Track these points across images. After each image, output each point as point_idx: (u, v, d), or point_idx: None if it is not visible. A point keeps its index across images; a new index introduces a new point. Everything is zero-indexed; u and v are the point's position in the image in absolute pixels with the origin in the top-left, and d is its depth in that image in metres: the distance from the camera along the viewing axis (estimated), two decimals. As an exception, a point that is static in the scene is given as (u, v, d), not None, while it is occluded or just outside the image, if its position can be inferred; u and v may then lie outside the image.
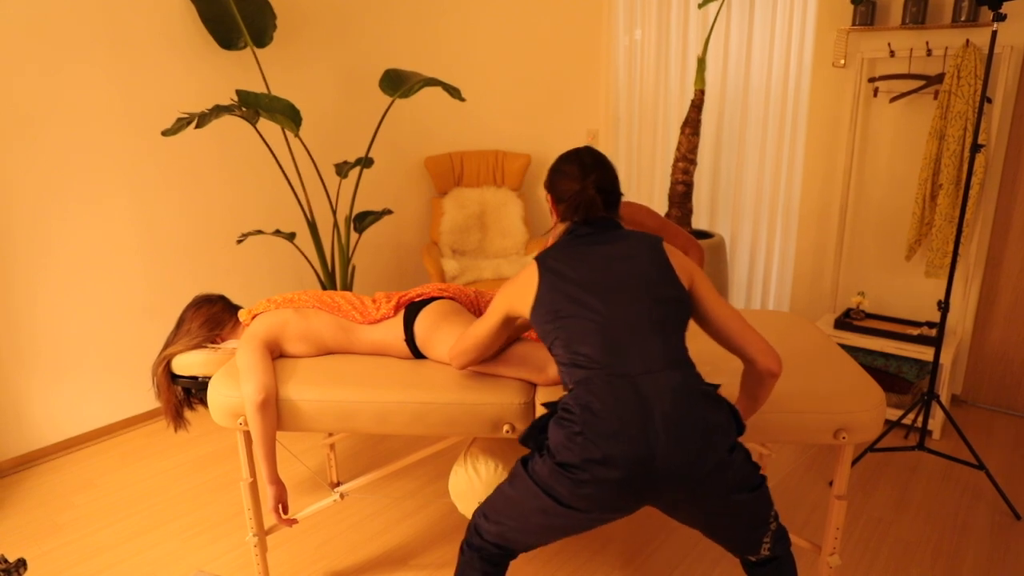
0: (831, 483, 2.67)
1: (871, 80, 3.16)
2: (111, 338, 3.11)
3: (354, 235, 4.06)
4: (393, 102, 3.38)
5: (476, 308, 2.09)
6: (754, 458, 2.85)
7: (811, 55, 3.34)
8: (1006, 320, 3.16)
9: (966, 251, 3.13)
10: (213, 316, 2.08)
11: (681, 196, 3.45)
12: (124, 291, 3.12)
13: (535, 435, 1.50)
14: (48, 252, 2.87)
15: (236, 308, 2.16)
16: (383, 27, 3.97)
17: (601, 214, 1.58)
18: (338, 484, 2.75)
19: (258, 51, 3.42)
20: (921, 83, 3.07)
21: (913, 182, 3.21)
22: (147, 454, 3.02)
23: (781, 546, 1.52)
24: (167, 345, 2.06)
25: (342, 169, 3.20)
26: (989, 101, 2.94)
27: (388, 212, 3.35)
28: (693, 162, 3.40)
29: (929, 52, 2.98)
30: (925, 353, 2.98)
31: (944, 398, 3.00)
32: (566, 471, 1.38)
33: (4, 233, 2.76)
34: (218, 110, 2.59)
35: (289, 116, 2.80)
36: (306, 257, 3.28)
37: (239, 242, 3.16)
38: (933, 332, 3.09)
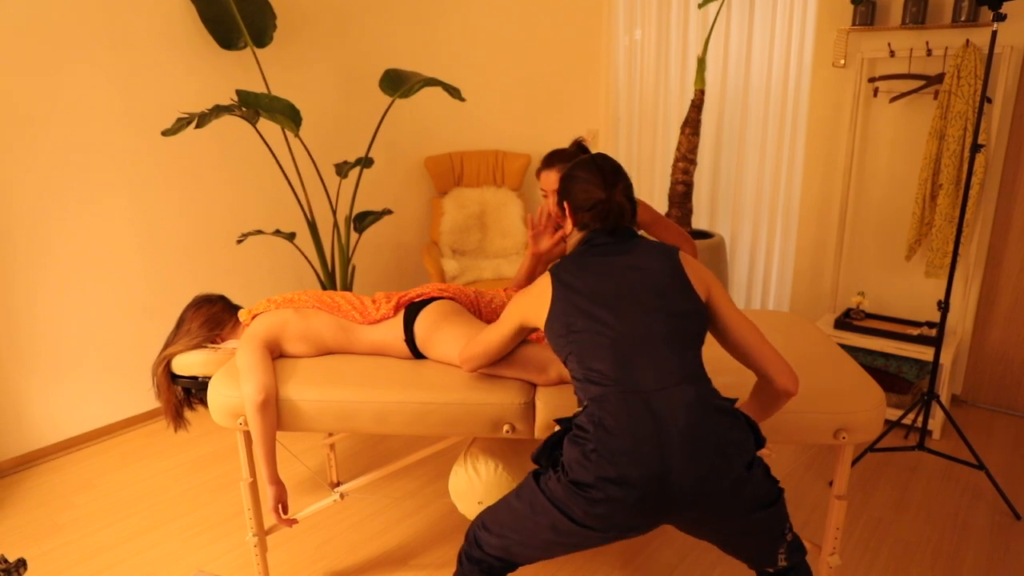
0: (831, 483, 2.67)
1: (871, 80, 3.16)
2: (111, 338, 3.11)
3: (354, 235, 4.06)
4: (393, 102, 3.38)
5: (476, 308, 2.09)
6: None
7: (811, 55, 3.34)
8: (1006, 320, 3.16)
9: (966, 251, 3.13)
10: (213, 316, 2.08)
11: (681, 196, 3.45)
12: (124, 291, 3.12)
13: (548, 452, 1.48)
14: (48, 252, 2.87)
15: (236, 308, 2.16)
16: (383, 27, 3.97)
17: (627, 224, 1.57)
18: (338, 484, 2.75)
19: (258, 51, 3.42)
20: (921, 83, 3.07)
21: (913, 182, 3.21)
22: (147, 454, 3.02)
23: (797, 556, 1.50)
24: (167, 345, 2.06)
25: (342, 169, 3.20)
26: (989, 101, 2.94)
27: (388, 212, 3.35)
28: (693, 162, 3.40)
29: (929, 52, 2.98)
30: (925, 353, 2.98)
31: (944, 398, 3.00)
32: (580, 490, 1.35)
33: (4, 233, 2.76)
34: (218, 110, 2.59)
35: (289, 116, 2.80)
36: (306, 257, 3.28)
37: (239, 242, 3.16)
38: (933, 332, 3.09)
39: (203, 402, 2.06)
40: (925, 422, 2.69)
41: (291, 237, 3.18)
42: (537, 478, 1.47)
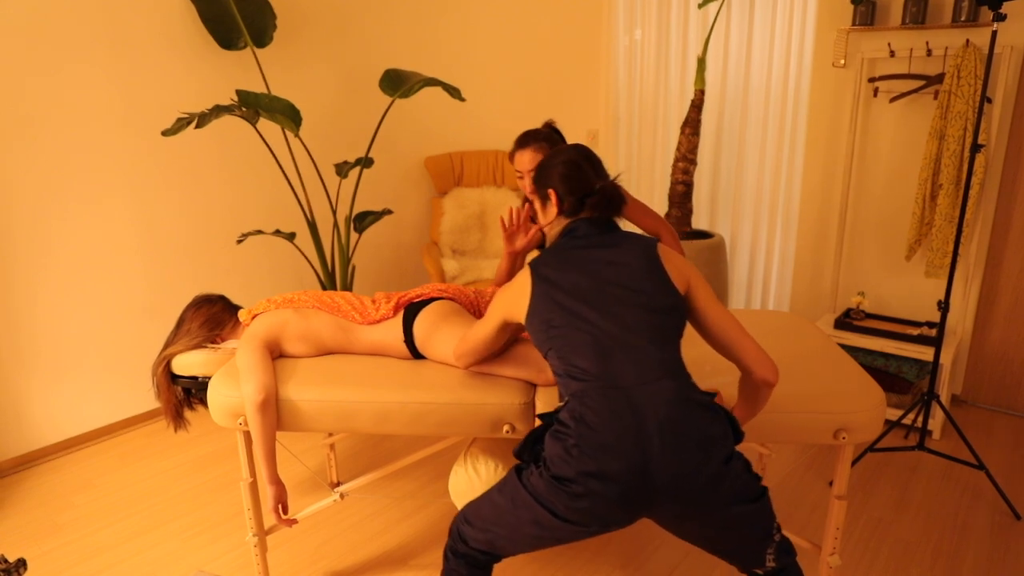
0: (831, 483, 2.67)
1: (871, 80, 3.16)
2: (111, 338, 3.11)
3: (354, 235, 4.06)
4: (393, 102, 3.38)
5: (476, 308, 2.09)
6: (754, 458, 2.85)
7: (811, 55, 3.34)
8: (1006, 320, 3.16)
9: (966, 251, 3.13)
10: (213, 316, 2.08)
11: (681, 196, 3.45)
12: (124, 291, 3.12)
13: (530, 447, 1.48)
14: (48, 252, 2.87)
15: (236, 308, 2.16)
16: (383, 27, 3.97)
17: (618, 213, 1.58)
18: (338, 484, 2.75)
19: (258, 51, 3.42)
20: (921, 83, 3.07)
21: (913, 182, 3.21)
22: (147, 454, 3.02)
23: (786, 558, 1.49)
24: (167, 345, 2.06)
25: (342, 169, 3.20)
26: (989, 101, 2.94)
27: (388, 212, 3.35)
28: (693, 162, 3.40)
29: (929, 52, 2.98)
30: (925, 353, 2.98)
31: (944, 398, 3.00)
32: (562, 485, 1.36)
33: (4, 233, 2.76)
34: (218, 110, 2.59)
35: (289, 116, 2.80)
36: (306, 257, 3.28)
37: (239, 242, 3.16)
38: (933, 332, 3.09)
39: (203, 402, 2.06)
40: (925, 422, 2.69)
41: (291, 237, 3.18)
42: (519, 473, 1.48)
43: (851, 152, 3.31)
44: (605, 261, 1.50)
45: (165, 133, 2.54)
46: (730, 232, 3.83)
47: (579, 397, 1.40)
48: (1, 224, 2.74)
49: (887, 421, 3.15)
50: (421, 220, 4.48)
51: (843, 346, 3.26)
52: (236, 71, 3.34)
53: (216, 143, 3.33)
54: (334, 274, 3.39)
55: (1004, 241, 3.09)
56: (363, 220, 3.39)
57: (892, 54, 3.07)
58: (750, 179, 3.69)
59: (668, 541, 2.36)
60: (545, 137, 2.19)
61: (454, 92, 3.02)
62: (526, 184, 2.15)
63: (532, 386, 1.83)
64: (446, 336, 1.89)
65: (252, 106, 2.74)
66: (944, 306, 2.55)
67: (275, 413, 1.83)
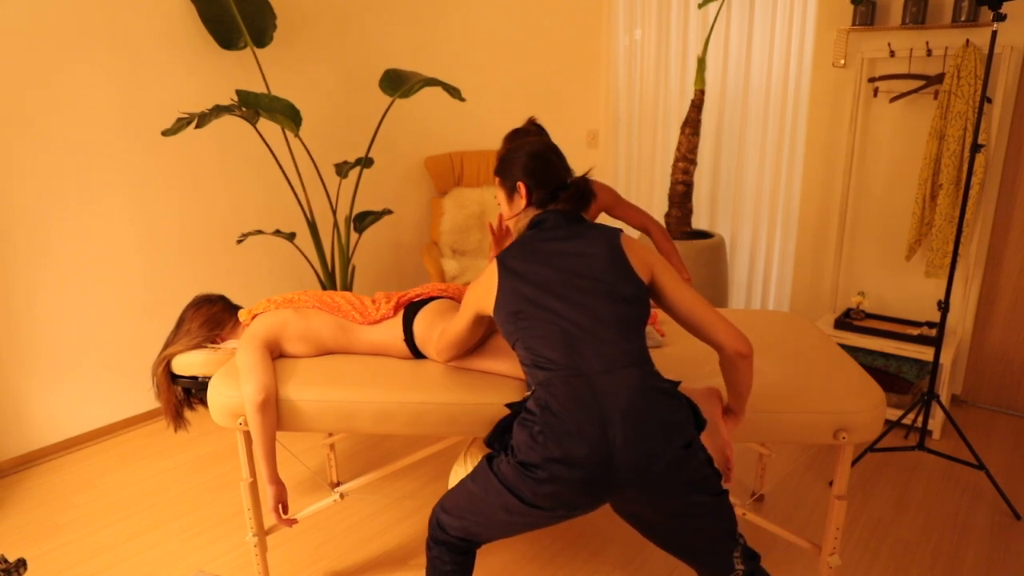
0: (831, 483, 2.67)
1: (871, 80, 3.16)
2: (111, 338, 3.11)
3: (354, 235, 4.06)
4: (393, 102, 3.38)
5: (476, 308, 2.09)
6: (754, 458, 2.85)
7: (811, 55, 3.34)
8: (1006, 320, 3.16)
9: (966, 251, 3.13)
10: (213, 316, 2.08)
11: (681, 196, 3.45)
12: (124, 291, 3.12)
13: (499, 436, 1.53)
14: (48, 252, 2.87)
15: (236, 308, 2.16)
16: (383, 27, 3.97)
17: (586, 208, 1.63)
18: (338, 484, 2.75)
19: (258, 51, 3.42)
20: (921, 83, 3.07)
21: (913, 182, 3.21)
22: (147, 454, 3.02)
23: (752, 562, 1.51)
24: (167, 345, 2.06)
25: (342, 169, 3.20)
26: (989, 101, 2.94)
27: (388, 212, 3.35)
28: (693, 162, 3.40)
29: (929, 52, 2.98)
30: (925, 353, 2.98)
31: (944, 398, 3.00)
32: (528, 470, 1.40)
33: (4, 233, 2.76)
34: (218, 110, 2.59)
35: (289, 116, 2.80)
36: (306, 257, 3.28)
37: (239, 242, 3.16)
38: (933, 332, 3.09)
39: (203, 402, 2.06)
40: (925, 422, 2.69)
41: (291, 237, 3.18)
42: (490, 461, 1.52)
43: (851, 152, 3.31)
44: (571, 253, 1.53)
45: (165, 133, 2.54)
46: (730, 232, 3.83)
47: (545, 386, 1.44)
48: (1, 224, 2.74)
49: (887, 421, 3.16)
50: (421, 220, 4.48)
51: (843, 346, 3.26)
52: (236, 71, 3.34)
53: (216, 143, 3.33)
54: (334, 274, 3.39)
55: (1004, 241, 3.09)
56: (363, 220, 3.39)
57: (892, 54, 3.07)
58: (750, 179, 3.69)
59: (668, 541, 2.36)
60: (537, 133, 2.23)
61: (454, 92, 3.02)
62: None
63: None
64: (446, 336, 1.89)
65: (252, 106, 2.74)
66: (944, 306, 2.55)
67: (275, 413, 1.83)
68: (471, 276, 3.93)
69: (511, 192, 1.66)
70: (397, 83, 3.15)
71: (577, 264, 1.51)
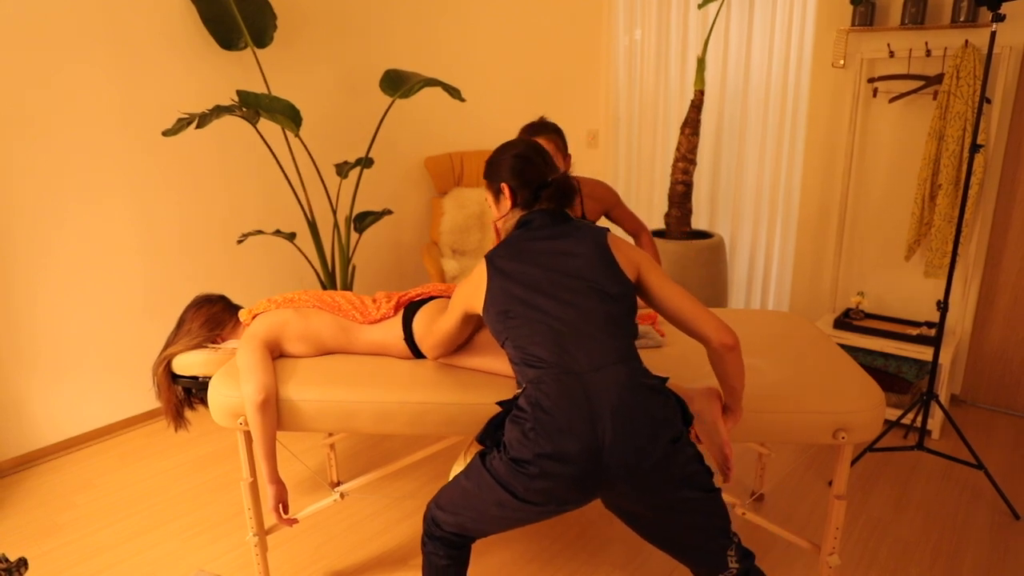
0: (831, 483, 2.67)
1: (870, 80, 3.17)
2: (111, 338, 3.11)
3: (354, 235, 4.06)
4: (393, 102, 3.38)
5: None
6: (754, 458, 2.85)
7: (811, 55, 3.35)
8: (1005, 320, 3.16)
9: (965, 251, 3.13)
10: (213, 316, 2.09)
11: (681, 196, 3.45)
12: (124, 291, 3.12)
13: (491, 433, 1.54)
14: (48, 252, 2.88)
15: (236, 308, 2.16)
16: (383, 27, 3.97)
17: (570, 205, 1.65)
18: (338, 484, 2.76)
19: (258, 51, 3.42)
20: (920, 83, 3.07)
21: (912, 182, 3.21)
22: (147, 454, 3.02)
23: (747, 561, 1.52)
24: (167, 345, 2.07)
25: (342, 169, 3.20)
26: (988, 101, 2.94)
27: (388, 212, 3.35)
28: (693, 162, 3.40)
29: (928, 52, 2.99)
30: (924, 353, 2.98)
31: (943, 398, 3.00)
32: (520, 467, 1.42)
33: (4, 233, 2.76)
34: (218, 110, 2.59)
35: (289, 116, 2.80)
36: (306, 257, 3.28)
37: (239, 242, 3.16)
38: (932, 332, 3.10)
39: (203, 402, 2.06)
40: (924, 422, 2.69)
41: (291, 237, 3.18)
42: (483, 458, 1.53)
43: (850, 152, 3.31)
44: (559, 252, 1.55)
45: (165, 133, 2.54)
46: (730, 232, 3.84)
47: (535, 384, 1.46)
48: (1, 224, 2.74)
49: (886, 421, 3.16)
50: (421, 220, 4.48)
51: (843, 346, 3.26)
52: (236, 71, 3.34)
53: (216, 143, 3.33)
54: (334, 274, 3.40)
55: (1003, 241, 3.09)
56: (363, 220, 3.39)
57: (891, 54, 3.08)
58: (750, 179, 3.70)
59: (668, 541, 2.36)
60: (554, 128, 2.27)
61: (454, 92, 3.02)
62: None
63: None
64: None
65: (252, 106, 2.74)
66: (943, 306, 2.55)
67: (275, 413, 1.83)
68: (471, 276, 3.93)
69: (497, 194, 1.68)
70: (397, 83, 3.15)
71: (565, 263, 1.53)
